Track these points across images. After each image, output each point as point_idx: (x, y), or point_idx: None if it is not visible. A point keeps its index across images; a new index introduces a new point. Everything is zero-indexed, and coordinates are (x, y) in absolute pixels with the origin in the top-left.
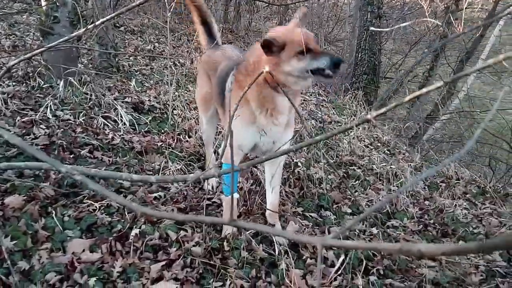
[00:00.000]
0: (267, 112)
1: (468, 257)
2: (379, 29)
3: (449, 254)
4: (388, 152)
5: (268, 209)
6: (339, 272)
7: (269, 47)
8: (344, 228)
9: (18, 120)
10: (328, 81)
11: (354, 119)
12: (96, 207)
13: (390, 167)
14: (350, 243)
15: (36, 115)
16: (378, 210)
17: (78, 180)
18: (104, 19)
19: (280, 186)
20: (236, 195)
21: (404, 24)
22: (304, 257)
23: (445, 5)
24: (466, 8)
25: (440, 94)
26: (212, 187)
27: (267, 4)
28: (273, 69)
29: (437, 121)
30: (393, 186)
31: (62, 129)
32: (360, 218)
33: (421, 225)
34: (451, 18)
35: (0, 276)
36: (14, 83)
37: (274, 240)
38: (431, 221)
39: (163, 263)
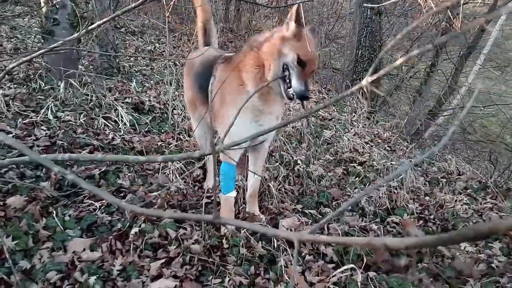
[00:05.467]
0: (262, 96)
1: (468, 251)
2: (372, 5)
3: (412, 247)
4: (389, 149)
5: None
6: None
7: (296, 22)
8: (318, 224)
9: (20, 122)
10: (282, 97)
11: (354, 116)
12: (96, 206)
13: (391, 164)
14: (324, 238)
15: (37, 116)
16: (377, 207)
17: (70, 180)
18: (101, 22)
19: (280, 184)
20: (233, 193)
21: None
22: (303, 254)
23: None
24: (467, 2)
25: (442, 89)
26: (212, 186)
27: (264, 6)
28: (272, 48)
29: (439, 117)
30: (393, 182)
31: (63, 130)
32: (336, 213)
33: (421, 221)
34: (450, 13)
35: (1, 275)
36: (15, 85)
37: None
38: (431, 217)
39: (163, 261)
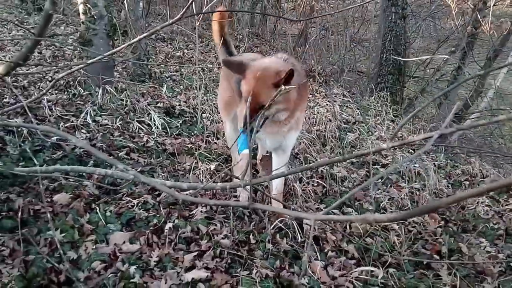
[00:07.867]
0: None
1: (488, 250)
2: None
3: (392, 221)
4: (413, 151)
5: (272, 197)
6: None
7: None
8: (331, 206)
9: (62, 126)
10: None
11: (378, 119)
12: (134, 203)
13: (413, 167)
14: (336, 217)
15: (78, 120)
16: (399, 208)
17: (131, 175)
18: (142, 36)
19: (304, 184)
20: (246, 151)
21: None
22: (325, 250)
23: (473, 4)
24: (494, 5)
25: (469, 92)
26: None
27: (286, 19)
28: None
29: (466, 120)
30: (416, 183)
31: (101, 133)
32: (346, 198)
33: (442, 222)
34: (479, 16)
35: (53, 263)
36: (57, 92)
37: (297, 231)
38: (452, 218)
39: (195, 253)
